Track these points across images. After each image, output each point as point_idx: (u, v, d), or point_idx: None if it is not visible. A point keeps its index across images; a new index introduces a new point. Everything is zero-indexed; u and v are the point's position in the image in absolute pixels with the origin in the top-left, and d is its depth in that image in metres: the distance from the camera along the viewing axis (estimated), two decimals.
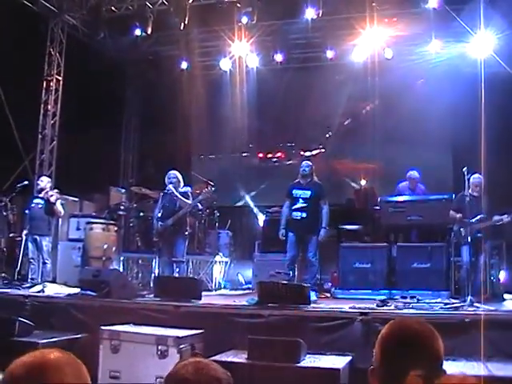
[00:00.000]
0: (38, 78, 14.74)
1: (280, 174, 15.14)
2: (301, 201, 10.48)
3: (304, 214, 10.41)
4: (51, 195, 11.45)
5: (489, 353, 6.39)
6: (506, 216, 9.62)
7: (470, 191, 9.57)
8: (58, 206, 11.54)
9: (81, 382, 1.92)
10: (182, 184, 11.01)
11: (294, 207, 10.53)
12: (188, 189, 11.35)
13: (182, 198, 10.68)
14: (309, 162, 10.94)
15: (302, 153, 16.43)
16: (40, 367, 1.85)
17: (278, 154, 17.23)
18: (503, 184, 12.24)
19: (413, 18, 13.99)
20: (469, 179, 9.30)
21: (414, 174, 12.31)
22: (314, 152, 16.37)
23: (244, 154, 17.42)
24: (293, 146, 16.92)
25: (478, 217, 9.59)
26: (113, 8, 14.66)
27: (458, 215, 9.98)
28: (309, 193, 10.50)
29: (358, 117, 15.88)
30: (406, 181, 12.38)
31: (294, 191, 10.60)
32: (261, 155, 17.44)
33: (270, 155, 17.31)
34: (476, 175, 9.80)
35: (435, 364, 2.38)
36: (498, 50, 13.38)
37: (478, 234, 9.51)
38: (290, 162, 16.48)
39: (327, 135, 16.34)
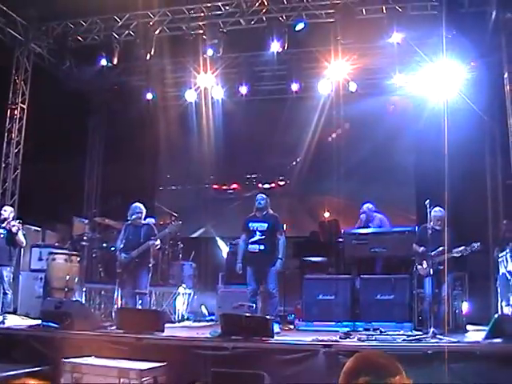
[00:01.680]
0: (1, 107, 14.63)
1: (243, 206, 15.21)
2: (258, 233, 10.47)
3: (262, 247, 10.40)
4: (13, 225, 11.32)
5: None
6: (463, 248, 9.72)
7: (431, 224, 9.68)
8: (20, 236, 11.41)
9: None
10: (144, 215, 10.98)
11: (251, 240, 10.50)
12: (151, 220, 11.30)
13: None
14: (263, 195, 10.92)
15: (260, 185, 16.54)
16: None
17: (234, 186, 17.28)
18: (465, 217, 12.39)
19: (377, 52, 14.21)
20: (431, 212, 9.41)
21: (364, 207, 12.48)
22: (273, 184, 16.47)
23: (206, 186, 17.43)
24: (256, 178, 16.97)
25: (440, 248, 9.67)
26: (79, 38, 14.66)
27: (421, 248, 10.07)
28: (266, 225, 10.50)
29: (322, 149, 15.95)
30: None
31: (251, 224, 10.60)
32: (215, 186, 17.47)
33: (225, 187, 17.35)
34: (437, 208, 9.91)
35: None
36: (464, 82, 13.62)
37: (440, 267, 9.58)
38: (250, 193, 16.57)
39: (294, 162, 16.42)
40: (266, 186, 16.66)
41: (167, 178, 17.92)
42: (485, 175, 14.20)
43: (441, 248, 9.65)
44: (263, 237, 10.45)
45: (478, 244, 9.74)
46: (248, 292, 10.50)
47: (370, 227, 12.18)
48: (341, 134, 15.64)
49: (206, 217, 16.26)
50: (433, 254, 9.60)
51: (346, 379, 2.48)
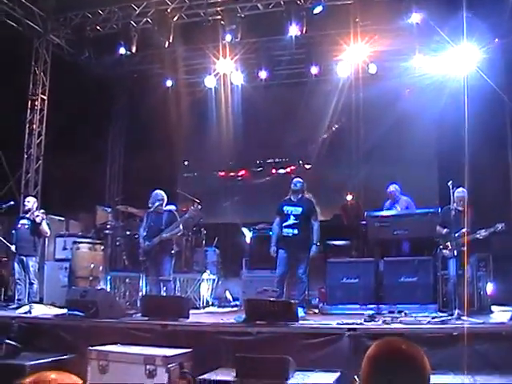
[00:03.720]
0: (23, 98, 14.72)
1: (265, 191, 15.28)
2: (292, 217, 10.40)
3: (296, 231, 10.33)
4: (37, 215, 11.40)
5: (476, 366, 6.41)
6: (483, 230, 9.63)
7: (454, 205, 9.62)
8: (44, 226, 11.50)
9: None
10: (165, 202, 11.00)
11: (285, 224, 10.43)
12: (172, 207, 11.32)
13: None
14: (300, 179, 10.86)
15: (273, 170, 16.62)
16: None
17: (242, 173, 17.38)
18: (488, 197, 12.30)
19: (396, 33, 14.08)
20: (454, 193, 9.34)
21: (390, 188, 12.36)
22: (288, 169, 16.51)
23: (214, 173, 17.56)
24: (274, 163, 17.02)
25: (464, 230, 9.61)
26: (97, 27, 14.70)
27: (444, 230, 9.99)
28: (300, 209, 10.43)
29: (343, 132, 15.90)
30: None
31: (285, 208, 10.53)
32: (222, 174, 17.57)
33: (232, 174, 17.45)
34: (460, 189, 9.83)
35: (422, 383, 2.39)
36: (482, 62, 13.48)
37: (462, 248, 9.52)
38: (265, 179, 16.68)
39: (314, 145, 16.43)
40: (281, 170, 16.71)
41: (186, 164, 18.00)
42: (507, 156, 14.08)
43: (464, 229, 9.61)
44: (297, 221, 10.38)
45: (503, 225, 9.65)
46: (276, 275, 10.47)
47: (395, 208, 12.13)
48: (361, 116, 15.55)
49: (228, 202, 16.29)
50: (456, 235, 9.56)
51: (369, 365, 2.48)
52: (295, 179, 10.87)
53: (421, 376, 2.41)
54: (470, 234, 9.58)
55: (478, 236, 9.66)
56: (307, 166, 16.62)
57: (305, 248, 10.32)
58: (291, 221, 10.41)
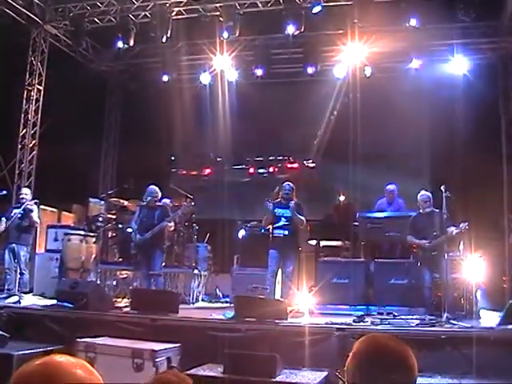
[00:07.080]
0: (19, 88, 14.68)
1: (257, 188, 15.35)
2: (283, 219, 10.63)
3: (286, 232, 10.57)
4: (28, 204, 11.41)
5: (464, 369, 6.44)
6: (454, 229, 9.57)
7: (420, 211, 9.75)
8: (34, 216, 11.48)
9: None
10: (159, 198, 11.03)
11: (276, 225, 10.65)
12: (167, 201, 11.31)
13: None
14: (290, 183, 11.00)
15: (256, 169, 16.77)
16: (53, 369, 1.83)
17: (207, 171, 17.54)
18: (481, 203, 12.32)
19: (393, 35, 14.09)
20: (447, 197, 9.32)
21: (390, 187, 12.40)
22: (271, 169, 16.69)
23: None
24: (266, 160, 17.08)
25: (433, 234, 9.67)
26: (96, 19, 14.65)
27: (418, 241, 9.97)
28: (290, 212, 10.62)
29: (338, 133, 15.91)
30: (384, 197, 12.47)
31: (277, 210, 10.71)
32: (184, 172, 17.70)
33: (194, 172, 17.62)
34: (422, 192, 9.98)
35: (409, 380, 2.39)
36: (478, 68, 13.52)
37: (433, 253, 9.58)
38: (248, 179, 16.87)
39: (309, 145, 16.49)
40: (263, 169, 16.92)
41: (182, 159, 18.02)
42: (500, 162, 14.08)
43: (434, 233, 9.65)
44: (288, 223, 10.64)
45: (466, 224, 9.57)
46: (268, 272, 10.57)
47: (389, 208, 12.15)
48: (355, 119, 15.56)
49: (220, 199, 16.29)
50: (429, 243, 9.64)
51: (354, 361, 2.48)
52: (285, 184, 11.00)
53: (408, 374, 2.41)
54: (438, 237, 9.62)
55: (448, 236, 9.60)
56: (310, 165, 16.72)
57: (294, 247, 10.63)
58: (282, 222, 10.66)
